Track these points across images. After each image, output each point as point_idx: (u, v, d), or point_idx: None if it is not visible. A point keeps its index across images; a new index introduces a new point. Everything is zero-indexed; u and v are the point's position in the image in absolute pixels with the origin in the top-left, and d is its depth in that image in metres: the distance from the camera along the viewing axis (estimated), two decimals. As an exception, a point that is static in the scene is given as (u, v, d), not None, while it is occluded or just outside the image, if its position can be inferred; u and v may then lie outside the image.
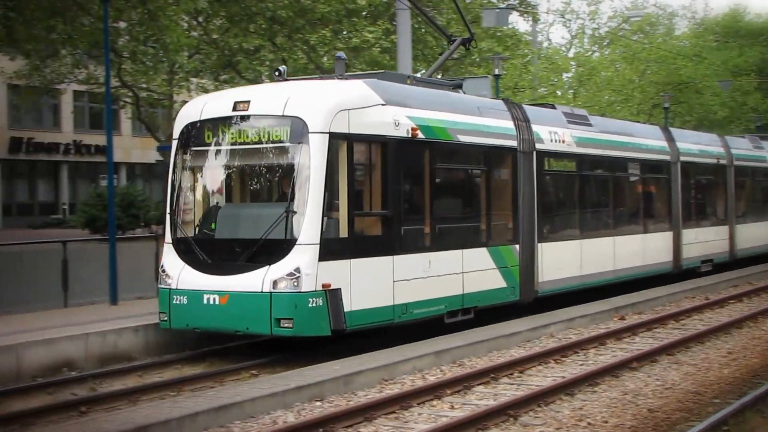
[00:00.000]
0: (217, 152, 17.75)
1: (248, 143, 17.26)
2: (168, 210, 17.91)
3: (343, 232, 16.86)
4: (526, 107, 23.26)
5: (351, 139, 17.00)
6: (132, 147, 62.43)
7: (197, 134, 17.82)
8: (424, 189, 19.08)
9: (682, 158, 30.44)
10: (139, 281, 22.48)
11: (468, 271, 19.78)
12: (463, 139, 19.97)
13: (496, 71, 37.44)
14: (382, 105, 17.79)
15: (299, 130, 16.65)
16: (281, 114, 16.90)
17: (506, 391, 14.84)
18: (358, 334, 17.53)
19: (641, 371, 16.43)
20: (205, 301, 16.71)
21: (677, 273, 29.57)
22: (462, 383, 14.97)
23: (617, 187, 26.96)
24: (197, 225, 17.87)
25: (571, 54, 63.45)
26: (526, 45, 52.05)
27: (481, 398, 14.35)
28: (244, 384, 13.93)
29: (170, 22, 33.16)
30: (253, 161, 17.61)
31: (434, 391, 14.37)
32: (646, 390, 14.99)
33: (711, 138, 35.12)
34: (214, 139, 17.60)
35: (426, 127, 18.73)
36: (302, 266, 16.13)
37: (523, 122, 22.15)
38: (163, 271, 17.49)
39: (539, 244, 22.37)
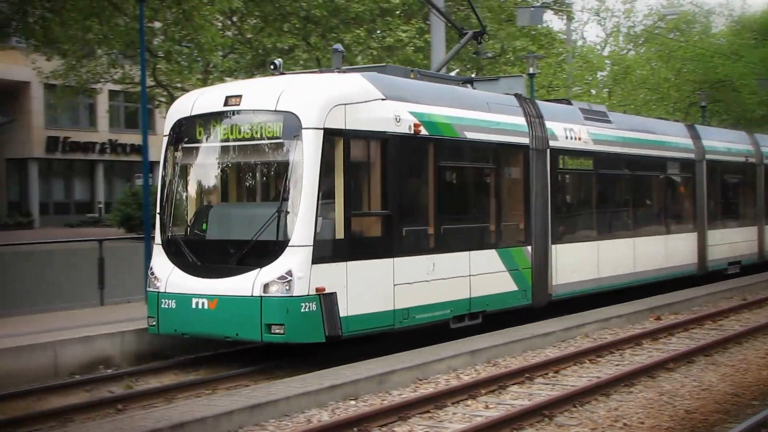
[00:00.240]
0: (208, 149, 17.13)
1: (240, 140, 16.54)
2: (158, 209, 17.23)
3: (339, 234, 16.11)
4: (540, 103, 22.50)
5: (348, 135, 16.24)
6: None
7: (188, 130, 17.15)
8: (428, 188, 18.30)
9: (708, 156, 29.65)
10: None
11: (476, 273, 19.02)
12: (471, 135, 19.23)
13: (531, 70, 37.31)
14: (382, 100, 17.04)
15: (292, 126, 15.90)
16: (274, 109, 16.15)
17: (541, 391, 14.79)
18: (357, 341, 16.90)
19: (678, 372, 16.33)
20: (193, 306, 15.99)
21: (702, 275, 28.84)
22: (497, 383, 14.93)
23: (637, 186, 26.12)
24: (187, 225, 17.22)
25: (605, 52, 63.18)
26: (561, 43, 51.84)
27: (516, 398, 14.31)
28: (279, 383, 13.96)
29: (205, 22, 33.33)
30: (245, 158, 16.98)
31: (469, 390, 14.33)
32: (683, 391, 14.91)
33: (739, 136, 34.16)
34: (205, 136, 17.00)
35: (430, 123, 18.00)
36: (294, 269, 15.38)
37: (536, 119, 21.38)
38: (152, 273, 16.79)
39: (553, 246, 21.59)
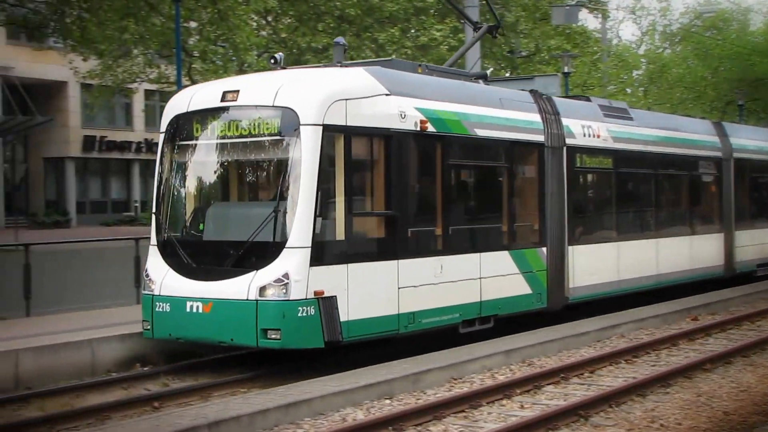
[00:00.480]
0: (205, 146, 16.52)
1: (237, 136, 15.92)
2: (153, 209, 16.75)
3: (340, 235, 15.47)
4: (557, 99, 21.47)
5: (349, 132, 15.60)
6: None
7: (184, 127, 16.56)
8: (436, 187, 17.59)
9: (736, 155, 28.70)
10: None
11: (487, 276, 18.32)
12: (482, 133, 18.50)
13: (566, 69, 37.24)
14: (386, 95, 16.35)
15: (290, 122, 15.29)
16: (271, 104, 15.54)
17: (577, 391, 14.74)
18: (360, 346, 16.44)
19: (715, 373, 16.23)
20: (188, 309, 15.41)
21: (730, 277, 28.02)
22: (532, 383, 14.89)
23: (660, 185, 25.34)
24: (182, 226, 16.64)
25: (641, 51, 62.99)
26: (596, 42, 51.72)
27: (551, 398, 14.27)
28: (314, 381, 13.97)
29: (240, 22, 33.52)
30: (242, 156, 16.29)
31: (504, 390, 14.29)
32: (721, 392, 14.81)
33: None
34: (202, 133, 16.39)
35: (437, 119, 17.32)
36: (291, 272, 14.76)
37: (551, 115, 20.58)
38: (147, 275, 16.19)
39: (570, 247, 20.83)
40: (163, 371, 16.21)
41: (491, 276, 18.47)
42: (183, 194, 16.79)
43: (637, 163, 24.04)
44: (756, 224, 30.07)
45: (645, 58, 60.75)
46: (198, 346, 16.81)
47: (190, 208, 16.71)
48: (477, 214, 18.80)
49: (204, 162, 16.66)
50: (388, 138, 16.30)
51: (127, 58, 40.54)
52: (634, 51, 62.54)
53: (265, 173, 16.46)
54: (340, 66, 17.18)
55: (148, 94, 58.80)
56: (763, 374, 16.24)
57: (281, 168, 15.53)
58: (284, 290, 14.72)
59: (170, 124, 16.71)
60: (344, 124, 15.51)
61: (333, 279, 15.19)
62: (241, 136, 15.89)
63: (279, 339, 14.74)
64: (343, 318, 15.25)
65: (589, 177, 22.76)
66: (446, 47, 37.95)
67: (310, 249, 14.88)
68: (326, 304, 15.03)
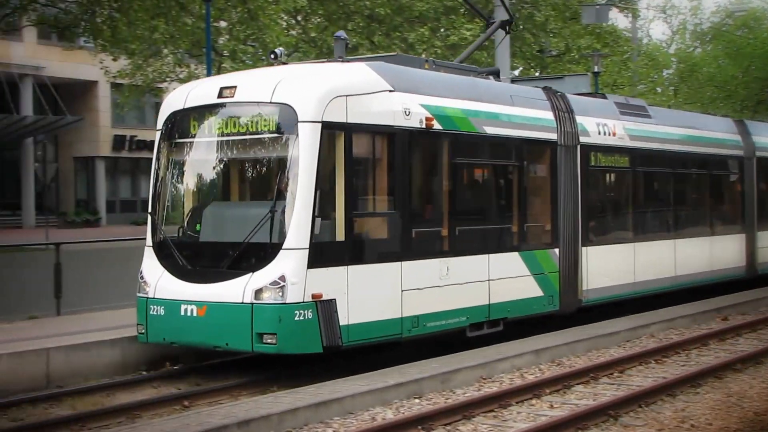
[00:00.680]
0: (201, 144, 16.00)
1: (234, 134, 15.43)
2: (149, 209, 16.26)
3: (340, 235, 14.94)
4: (571, 97, 20.80)
5: (350, 129, 15.05)
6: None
7: (181, 124, 16.04)
8: (442, 187, 17.13)
9: (759, 153, 28.04)
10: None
11: (496, 278, 17.79)
12: (491, 130, 17.95)
13: (596, 68, 37.12)
14: (390, 91, 15.81)
15: (288, 119, 14.79)
16: (269, 101, 15.02)
17: (606, 390, 14.71)
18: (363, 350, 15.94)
19: (746, 373, 16.16)
20: (182, 313, 14.96)
21: (751, 279, 27.35)
22: (561, 382, 14.87)
23: (679, 185, 24.68)
24: (177, 226, 16.15)
25: (671, 50, 62.74)
26: (626, 41, 51.57)
27: (581, 398, 14.25)
28: (344, 381, 13.98)
29: (270, 21, 33.64)
30: (239, 154, 15.76)
31: (533, 389, 14.29)
32: (752, 392, 14.73)
33: None
34: (199, 130, 15.87)
35: (444, 116, 16.76)
36: (288, 274, 14.27)
37: (565, 113, 20.02)
38: (141, 277, 15.74)
39: (584, 248, 20.27)
40: (193, 370, 16.25)
41: (500, 278, 17.97)
42: (178, 194, 16.37)
43: (655, 162, 23.50)
44: None
45: (675, 57, 60.52)
46: (194, 351, 16.38)
47: (185, 208, 16.26)
48: (486, 214, 18.30)
49: (200, 160, 16.18)
50: (392, 136, 15.81)
51: (157, 57, 40.73)
52: (665, 50, 62.29)
53: (262, 172, 15.91)
54: (342, 61, 16.60)
55: (178, 93, 58.98)
56: (795, 375, 16.16)
57: (279, 166, 15.09)
58: (280, 293, 14.26)
59: (166, 121, 16.27)
60: (344, 121, 15.02)
61: (332, 281, 14.70)
62: (238, 133, 15.43)
63: (275, 344, 14.28)
64: (342, 322, 14.78)
65: (605, 176, 22.15)
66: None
67: (307, 250, 14.40)
68: (325, 308, 14.55)
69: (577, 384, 15.05)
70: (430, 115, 16.44)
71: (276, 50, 16.95)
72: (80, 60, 51.94)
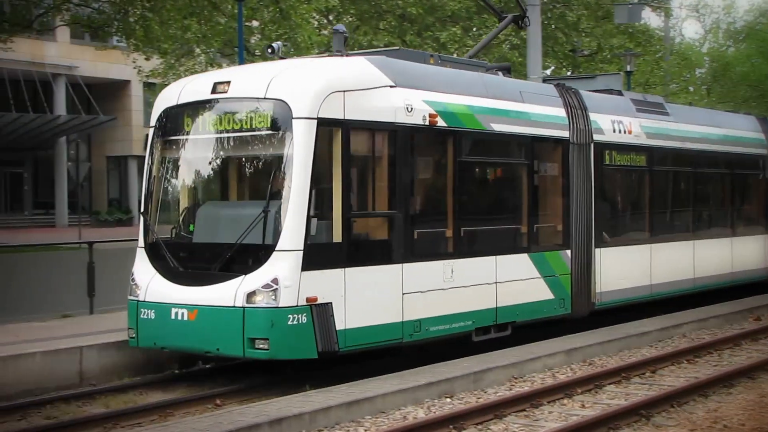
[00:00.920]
0: (194, 142, 15.43)
1: (227, 131, 14.88)
2: (141, 209, 15.83)
3: (336, 237, 14.37)
4: (584, 93, 20.17)
5: (347, 126, 14.47)
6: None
7: (174, 121, 15.52)
8: (446, 186, 16.48)
9: None
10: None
11: (503, 280, 17.17)
12: (498, 128, 17.33)
13: (628, 68, 36.99)
14: (391, 87, 15.25)
15: (282, 115, 14.24)
16: (263, 96, 14.46)
17: (638, 390, 14.68)
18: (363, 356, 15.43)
19: (778, 373, 16.10)
20: (172, 316, 14.43)
21: None
22: (593, 382, 14.85)
23: (698, 184, 23.93)
24: (170, 227, 15.69)
25: (704, 49, 62.46)
26: (659, 41, 51.36)
27: (613, 397, 14.22)
28: (375, 380, 13.99)
29: (301, 21, 33.70)
30: (233, 152, 15.28)
31: (565, 389, 14.28)
32: (784, 393, 14.69)
33: None
34: (191, 127, 15.29)
35: (448, 113, 16.19)
36: (281, 277, 13.72)
37: (578, 110, 19.37)
38: (132, 280, 15.24)
39: (597, 250, 19.61)
40: (226, 369, 16.30)
41: (508, 280, 17.34)
42: (170, 193, 15.84)
43: (673, 160, 22.87)
44: None
45: (708, 57, 60.24)
46: (185, 355, 15.98)
47: (177, 208, 15.81)
48: (493, 214, 17.70)
49: (193, 158, 15.63)
50: (393, 133, 15.24)
51: (189, 57, 40.84)
52: (697, 49, 62.01)
53: (256, 170, 15.28)
54: (340, 55, 15.90)
55: (210, 93, 59.17)
56: (828, 376, 16.06)
57: (273, 165, 14.49)
58: (273, 296, 13.71)
59: (160, 117, 15.77)
60: (342, 117, 14.45)
61: (328, 284, 14.17)
62: (231, 130, 14.89)
63: (267, 349, 13.73)
64: (339, 326, 14.23)
65: (620, 175, 21.35)
66: (508, 46, 37.87)
67: (302, 252, 13.84)
68: (320, 312, 14.01)
69: (609, 384, 15.02)
70: (433, 112, 15.92)
71: (273, 44, 16.48)
72: (113, 60, 52.24)
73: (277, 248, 13.88)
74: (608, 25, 41.91)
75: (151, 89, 51.88)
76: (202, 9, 33.46)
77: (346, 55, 15.90)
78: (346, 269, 14.40)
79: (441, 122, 16.05)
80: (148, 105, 58.54)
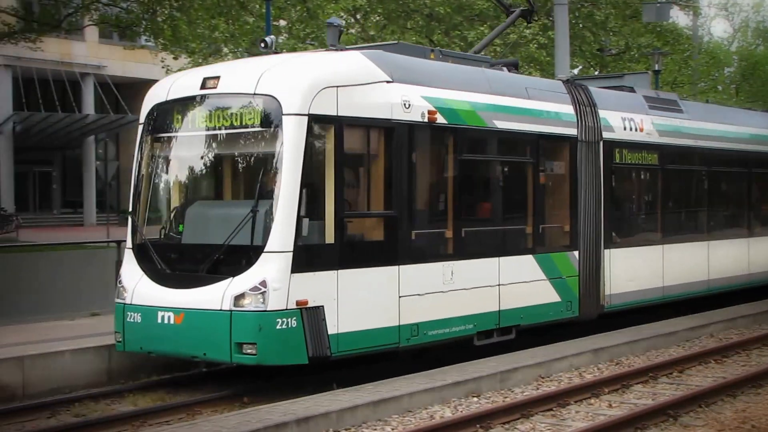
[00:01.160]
0: (183, 139, 15.05)
1: (216, 128, 14.41)
2: (130, 208, 15.37)
3: (329, 238, 13.86)
4: (594, 90, 19.65)
5: (341, 122, 13.97)
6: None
7: (162, 118, 15.10)
8: (446, 185, 16.04)
9: None
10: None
11: (507, 283, 16.69)
12: (502, 125, 16.84)
13: (656, 67, 36.87)
14: (388, 82, 14.77)
15: (272, 111, 13.79)
16: (252, 92, 13.98)
17: (665, 390, 14.66)
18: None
19: (807, 373, 16.01)
20: (159, 320, 13.99)
21: None
22: (620, 382, 14.84)
23: (713, 184, 23.24)
24: (157, 228, 15.25)
25: (733, 48, 62.20)
26: (687, 40, 51.18)
27: (640, 397, 14.20)
28: (402, 379, 14.02)
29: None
30: (223, 150, 14.78)
31: (592, 389, 14.28)
32: (813, 393, 14.62)
33: None
34: (180, 124, 14.92)
35: (448, 109, 15.71)
36: (269, 279, 13.24)
37: (586, 107, 18.87)
38: (119, 282, 14.85)
39: (607, 251, 19.10)
40: (254, 367, 16.28)
41: (512, 282, 16.86)
42: (159, 193, 15.40)
43: (687, 159, 22.30)
44: None
45: (737, 55, 59.96)
46: (172, 360, 15.52)
47: (165, 208, 15.42)
48: (495, 215, 17.15)
49: (181, 157, 15.21)
50: (389, 130, 14.72)
51: (217, 56, 40.89)
52: (726, 48, 61.73)
53: (246, 169, 14.72)
54: (333, 49, 15.40)
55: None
56: None
57: (263, 163, 14.06)
58: (261, 299, 13.24)
59: (148, 114, 15.36)
60: (335, 114, 13.96)
61: (320, 287, 13.69)
62: (220, 127, 14.41)
63: (255, 354, 13.28)
64: (331, 331, 13.74)
65: (630, 174, 20.82)
66: (535, 45, 37.78)
67: (291, 253, 13.36)
68: (311, 316, 13.52)
69: (636, 383, 15.00)
70: (433, 108, 15.41)
71: (266, 38, 16.05)
72: (141, 59, 52.41)
73: (265, 249, 13.42)
74: (636, 24, 41.76)
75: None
76: (230, 8, 33.60)
77: (340, 49, 15.46)
78: (339, 271, 13.94)
79: (441, 119, 15.57)
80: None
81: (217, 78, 14.56)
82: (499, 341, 16.68)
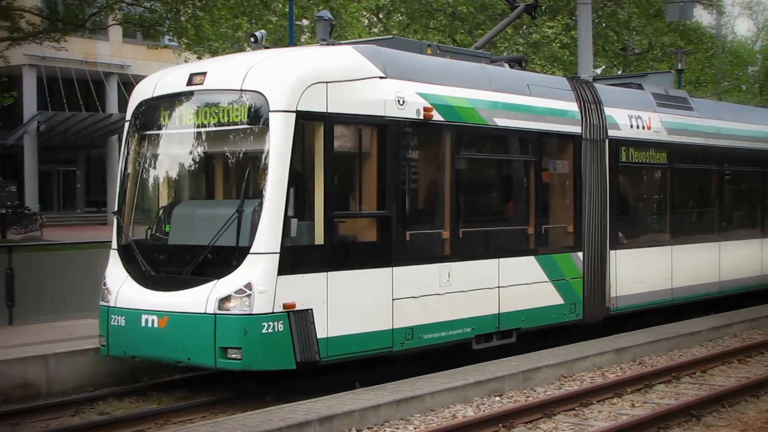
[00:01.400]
0: (169, 137, 14.63)
1: (203, 125, 14.00)
2: (115, 208, 14.93)
3: (318, 238, 13.43)
4: (599, 87, 19.25)
5: (331, 120, 13.52)
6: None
7: (148, 115, 14.64)
8: (443, 184, 15.54)
9: None
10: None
11: (507, 285, 16.25)
12: (502, 122, 16.35)
13: (679, 66, 36.79)
14: (381, 78, 14.30)
15: (259, 108, 13.35)
16: (239, 88, 13.54)
17: (688, 390, 14.63)
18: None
19: (831, 374, 15.96)
20: (143, 324, 13.51)
21: None
22: (642, 381, 14.83)
23: (724, 183, 22.86)
24: (142, 228, 14.76)
25: (757, 47, 61.97)
26: (710, 39, 51.01)
27: (662, 397, 14.19)
28: (425, 378, 14.03)
29: (352, 19, 33.82)
30: (209, 148, 14.33)
31: (614, 388, 14.27)
32: (837, 393, 14.56)
33: None
34: (165, 121, 14.48)
35: (445, 106, 15.23)
36: (255, 281, 12.82)
37: (591, 104, 18.39)
38: (104, 284, 14.36)
39: (612, 252, 18.65)
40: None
41: (513, 284, 16.41)
42: (144, 193, 14.99)
43: (697, 158, 21.74)
44: None
45: (761, 54, 59.71)
46: (156, 365, 15.18)
47: (150, 208, 14.99)
48: (495, 215, 16.84)
49: (167, 154, 14.77)
50: (382, 127, 14.26)
51: (240, 56, 41.10)
52: (750, 47, 61.50)
53: (233, 167, 14.35)
54: (324, 44, 15.00)
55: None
56: None
57: (250, 161, 13.67)
58: (247, 302, 12.81)
59: (134, 111, 14.88)
60: (324, 110, 13.51)
61: (308, 289, 13.25)
62: (207, 124, 13.97)
63: (240, 359, 12.86)
64: (321, 335, 13.33)
65: (637, 173, 20.44)
66: (558, 44, 37.77)
67: (278, 255, 12.94)
68: (299, 319, 13.11)
69: (659, 383, 14.98)
70: (428, 105, 14.93)
71: (256, 33, 15.48)
72: (164, 58, 52.34)
73: (251, 251, 13.00)
74: (659, 23, 41.70)
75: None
76: (253, 8, 33.69)
77: (331, 44, 15.10)
78: (329, 273, 13.50)
79: (437, 116, 15.09)
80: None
81: (204, 74, 14.14)
82: (498, 345, 16.28)
